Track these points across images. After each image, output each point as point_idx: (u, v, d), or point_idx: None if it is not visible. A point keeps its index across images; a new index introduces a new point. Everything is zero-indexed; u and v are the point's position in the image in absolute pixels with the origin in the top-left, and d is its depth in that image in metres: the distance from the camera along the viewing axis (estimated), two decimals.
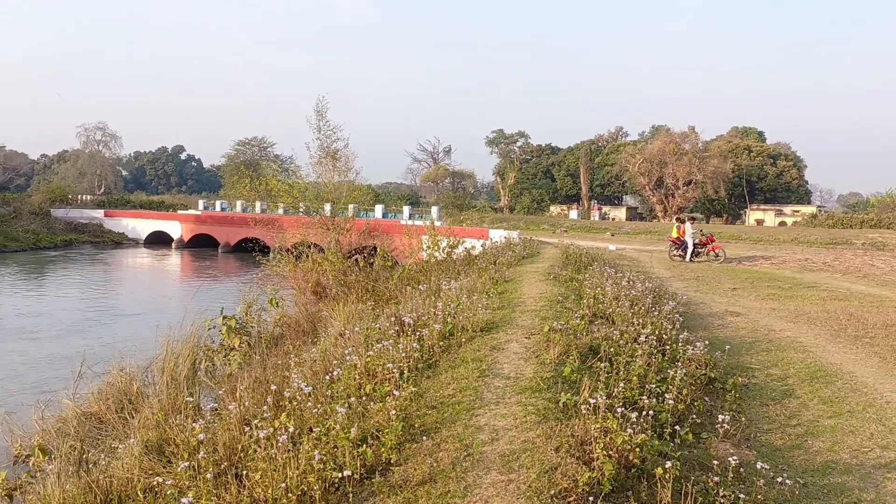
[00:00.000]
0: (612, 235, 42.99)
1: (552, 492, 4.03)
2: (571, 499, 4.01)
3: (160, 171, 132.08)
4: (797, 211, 73.24)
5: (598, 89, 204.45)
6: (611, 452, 4.41)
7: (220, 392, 7.17)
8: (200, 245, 54.81)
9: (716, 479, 4.47)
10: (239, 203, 60.02)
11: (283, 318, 13.43)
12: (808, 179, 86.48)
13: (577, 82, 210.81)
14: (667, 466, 4.22)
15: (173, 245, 56.19)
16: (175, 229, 57.61)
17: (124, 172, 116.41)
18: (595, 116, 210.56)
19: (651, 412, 5.40)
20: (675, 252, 25.27)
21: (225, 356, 11.57)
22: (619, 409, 4.92)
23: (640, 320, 9.16)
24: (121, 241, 57.61)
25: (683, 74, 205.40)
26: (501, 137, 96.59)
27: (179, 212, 63.49)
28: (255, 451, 4.58)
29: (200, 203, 67.24)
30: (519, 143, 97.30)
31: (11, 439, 8.63)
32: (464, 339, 8.12)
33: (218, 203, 65.90)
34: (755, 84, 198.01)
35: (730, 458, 4.61)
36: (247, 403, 5.90)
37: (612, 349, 7.60)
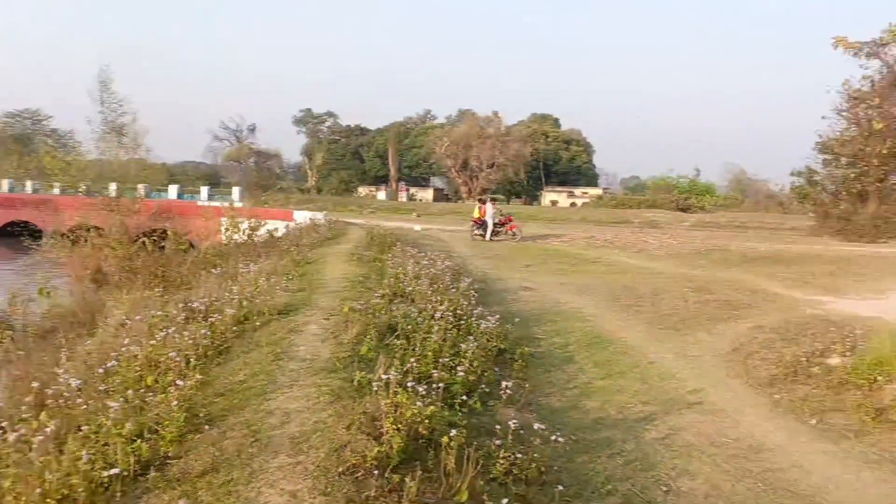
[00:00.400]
0: (419, 216, 43.97)
1: (340, 469, 4.02)
2: (360, 474, 4.02)
3: None
4: (586, 193, 79.61)
5: (406, 75, 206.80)
6: (400, 426, 4.48)
7: None
8: None
9: (498, 442, 4.72)
10: (5, 182, 53.29)
11: (55, 309, 12.14)
12: (596, 164, 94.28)
13: (383, 66, 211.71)
14: (452, 434, 4.37)
15: None
16: None
17: None
18: (404, 100, 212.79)
19: (442, 384, 5.57)
20: (476, 231, 26.30)
21: None
22: (410, 384, 5.01)
23: (439, 297, 9.42)
24: None
25: (487, 62, 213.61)
26: (310, 117, 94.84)
27: None
28: (8, 455, 4.09)
29: None
30: (328, 124, 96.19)
31: None
32: (260, 323, 7.86)
33: None
34: (552, 74, 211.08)
35: (510, 422, 4.87)
36: (1, 405, 5.25)
37: (409, 326, 7.73)
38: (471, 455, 4.33)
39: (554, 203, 77.59)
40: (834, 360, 7.35)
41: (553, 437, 4.89)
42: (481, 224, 26.22)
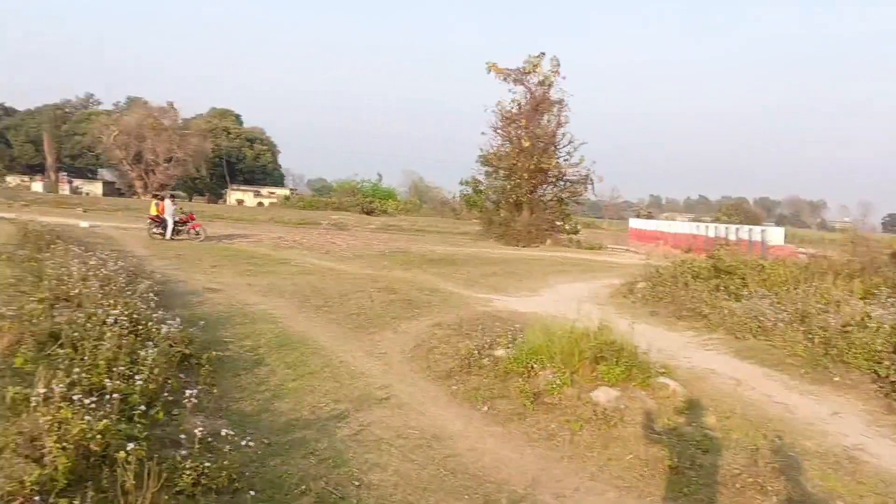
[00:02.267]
0: (85, 211, 39.27)
1: None
2: (17, 502, 3.44)
3: None
4: (273, 192, 78.75)
5: (68, 51, 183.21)
6: (66, 444, 3.93)
7: None
8: None
9: (184, 452, 4.40)
10: None
11: None
12: (282, 164, 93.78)
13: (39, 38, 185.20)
14: (129, 448, 3.96)
15: None
16: None
17: None
18: (60, 79, 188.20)
19: (118, 395, 5.04)
20: (154, 230, 24.41)
21: None
22: (76, 397, 4.43)
23: (111, 301, 8.51)
24: None
25: (162, 50, 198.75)
26: None
27: None
28: None
29: None
30: None
31: None
32: None
33: None
34: (234, 68, 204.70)
35: (196, 431, 4.59)
36: None
37: (76, 333, 6.86)
38: (152, 469, 3.99)
39: (240, 202, 75.40)
40: (499, 352, 8.25)
41: (244, 443, 4.72)
42: (160, 222, 24.42)
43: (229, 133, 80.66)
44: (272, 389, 6.96)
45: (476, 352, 8.31)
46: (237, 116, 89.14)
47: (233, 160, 79.68)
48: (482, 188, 37.68)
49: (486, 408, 6.89)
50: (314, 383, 7.23)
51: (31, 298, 8.29)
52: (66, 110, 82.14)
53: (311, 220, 42.24)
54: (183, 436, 4.73)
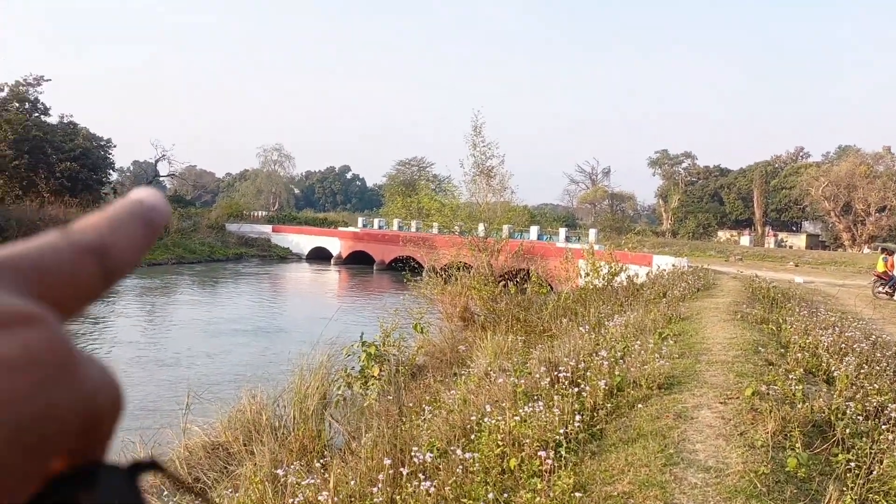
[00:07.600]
0: (796, 266, 38.51)
1: None
2: None
3: (328, 190, 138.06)
4: None
5: (772, 109, 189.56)
6: None
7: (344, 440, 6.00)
8: (357, 262, 55.15)
9: None
10: (395, 221, 60.55)
11: (426, 346, 12.22)
12: None
13: (745, 104, 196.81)
14: None
15: (332, 261, 57.16)
16: (334, 246, 58.75)
17: (296, 191, 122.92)
18: (769, 138, 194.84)
19: None
20: (880, 289, 21.64)
21: (364, 384, 10.66)
22: None
23: (876, 386, 6.94)
24: (286, 256, 59.50)
25: (873, 93, 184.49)
26: (665, 158, 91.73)
27: (340, 228, 64.76)
28: None
29: (360, 220, 68.81)
30: (684, 165, 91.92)
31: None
32: (637, 399, 6.40)
33: (376, 221, 66.94)
34: None
35: None
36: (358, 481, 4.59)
37: (847, 429, 5.56)
38: None
39: None
40: None
41: None
42: (888, 279, 21.47)
43: None
44: None
45: None
46: None
47: None
48: None
49: None
50: None
51: (778, 370, 7.46)
52: (776, 166, 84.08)
53: None
54: None
